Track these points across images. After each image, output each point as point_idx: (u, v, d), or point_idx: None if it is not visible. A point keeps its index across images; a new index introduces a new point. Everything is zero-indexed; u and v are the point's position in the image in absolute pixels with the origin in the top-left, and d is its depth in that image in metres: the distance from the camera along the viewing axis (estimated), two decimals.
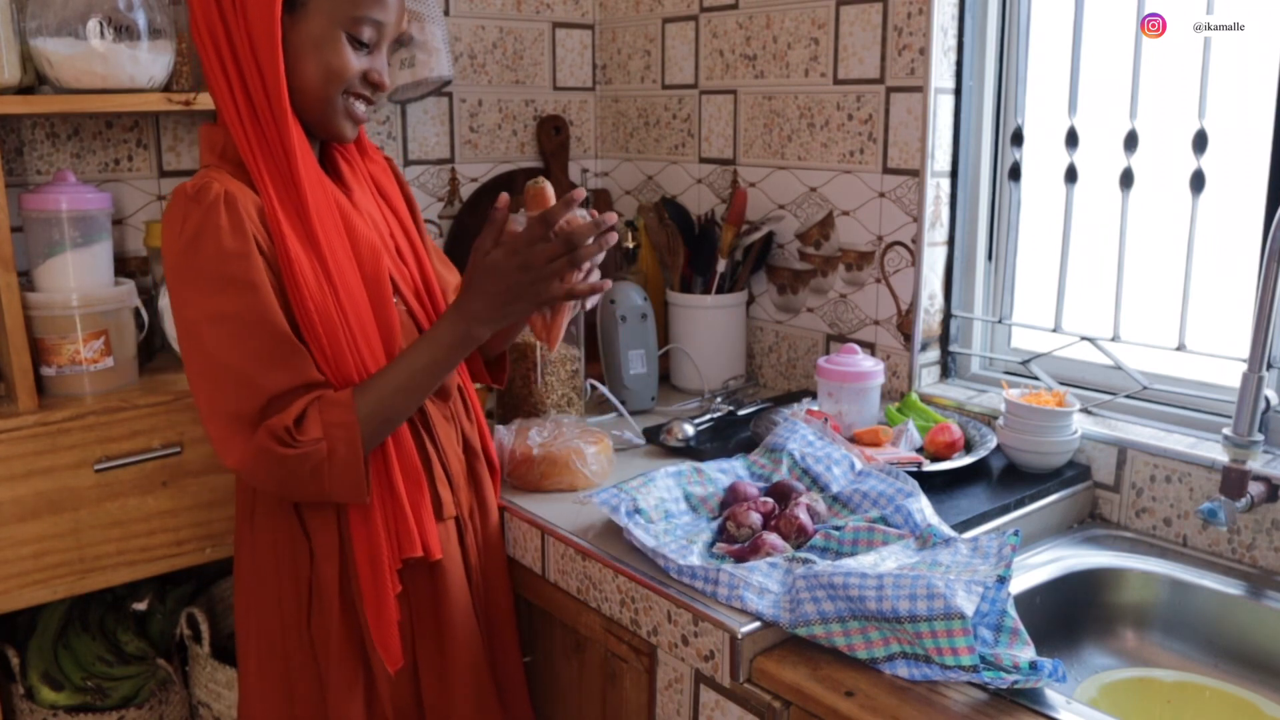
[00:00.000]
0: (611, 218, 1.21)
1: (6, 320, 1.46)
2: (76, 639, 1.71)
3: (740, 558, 1.25)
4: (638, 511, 1.32)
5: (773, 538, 1.25)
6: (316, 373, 1.17)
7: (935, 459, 1.52)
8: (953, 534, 1.24)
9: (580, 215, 1.22)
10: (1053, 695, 1.04)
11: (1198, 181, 1.46)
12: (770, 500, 1.34)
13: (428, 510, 1.27)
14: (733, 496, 1.37)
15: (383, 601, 1.24)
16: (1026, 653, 1.06)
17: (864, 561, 1.17)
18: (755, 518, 1.30)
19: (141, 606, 1.75)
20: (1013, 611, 1.10)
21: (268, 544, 1.28)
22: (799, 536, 1.27)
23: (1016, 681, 1.03)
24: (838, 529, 1.27)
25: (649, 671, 1.28)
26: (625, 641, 1.30)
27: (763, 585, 1.16)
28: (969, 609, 1.05)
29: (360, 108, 1.25)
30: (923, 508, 1.29)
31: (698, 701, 1.22)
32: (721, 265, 1.93)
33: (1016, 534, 1.16)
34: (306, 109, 1.21)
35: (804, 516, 1.28)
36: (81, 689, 1.67)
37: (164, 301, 1.67)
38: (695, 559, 1.23)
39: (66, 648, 1.70)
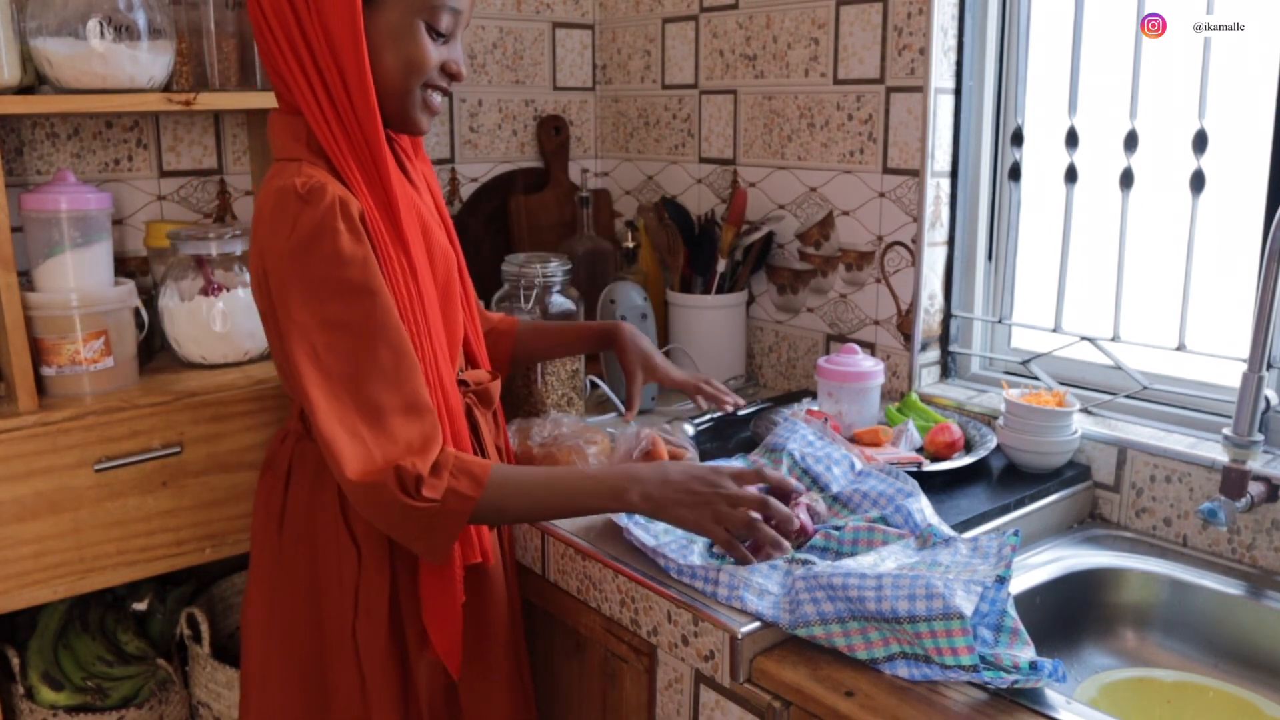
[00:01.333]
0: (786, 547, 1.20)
1: (6, 320, 1.46)
2: (76, 639, 1.71)
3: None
4: None
5: (804, 513, 1.26)
6: (428, 393, 1.14)
7: (935, 459, 1.52)
8: (953, 534, 1.24)
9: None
10: (1053, 695, 1.04)
11: (1198, 181, 1.46)
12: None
13: None
14: None
15: (449, 610, 1.22)
16: (1027, 653, 1.06)
17: (863, 562, 1.17)
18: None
19: (141, 606, 1.75)
20: (1013, 611, 1.10)
21: (304, 551, 1.26)
22: (799, 537, 1.27)
23: (1016, 681, 1.03)
24: (838, 529, 1.27)
25: (649, 671, 1.28)
26: (625, 641, 1.30)
27: (762, 586, 1.16)
28: (968, 609, 1.05)
29: (437, 99, 1.23)
30: (923, 508, 1.29)
31: (698, 701, 1.22)
32: (721, 265, 1.93)
33: (1016, 534, 1.16)
34: (384, 102, 1.18)
35: (804, 516, 1.28)
36: (81, 689, 1.67)
37: (164, 301, 1.67)
38: (695, 559, 1.23)
39: (66, 648, 1.70)
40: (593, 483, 1.18)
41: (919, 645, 1.07)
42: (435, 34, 1.18)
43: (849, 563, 1.16)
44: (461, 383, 1.30)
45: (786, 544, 1.20)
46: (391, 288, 1.14)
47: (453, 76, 1.22)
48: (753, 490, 1.18)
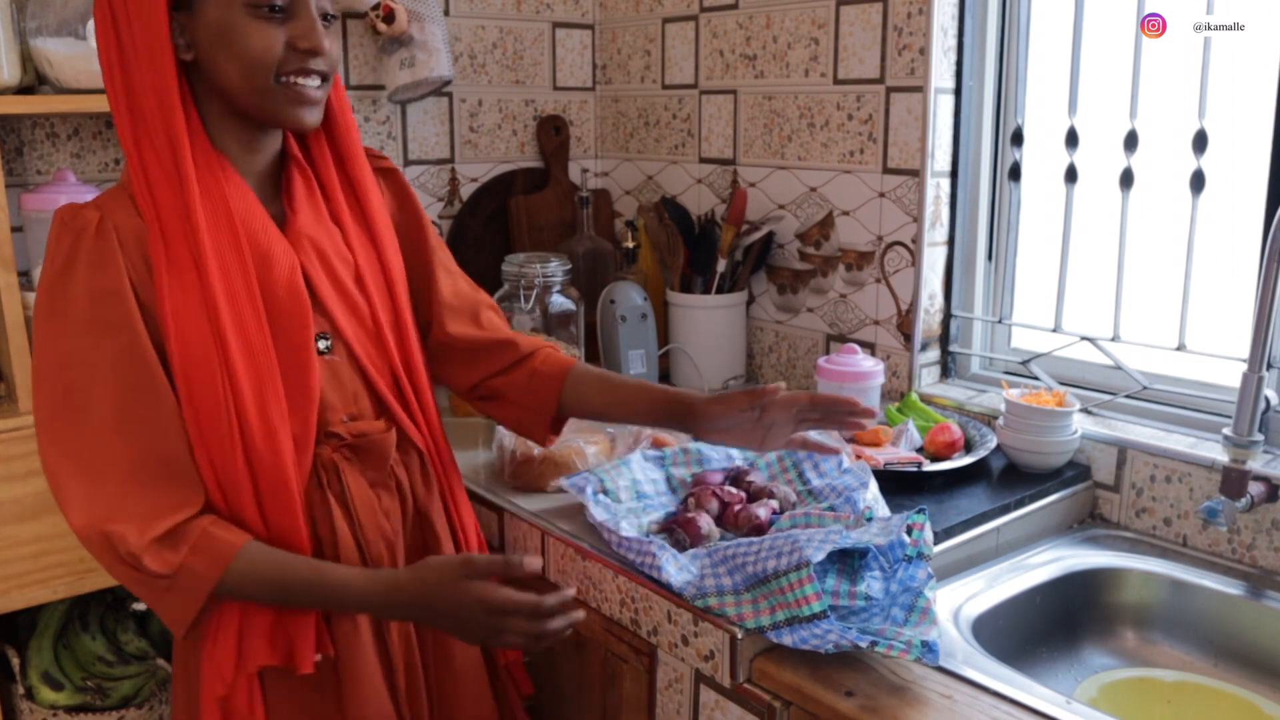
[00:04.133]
0: (577, 616, 1.10)
1: (6, 320, 1.46)
2: (76, 639, 1.71)
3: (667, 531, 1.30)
4: (604, 492, 1.37)
5: (705, 520, 1.29)
6: (184, 449, 1.03)
7: (935, 459, 1.52)
8: (885, 514, 1.27)
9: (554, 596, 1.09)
10: (1052, 695, 1.04)
11: (1198, 181, 1.46)
12: (737, 492, 1.35)
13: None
14: (696, 483, 1.40)
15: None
16: (930, 633, 1.08)
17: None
18: (714, 505, 1.33)
19: (141, 606, 1.75)
20: (930, 594, 1.12)
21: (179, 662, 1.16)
22: (755, 533, 1.28)
23: (876, 643, 1.05)
24: (777, 514, 1.30)
25: (649, 671, 1.28)
26: (625, 641, 1.30)
27: (686, 564, 1.20)
28: (816, 556, 1.08)
29: (308, 85, 1.07)
30: (868, 496, 1.30)
31: (698, 701, 1.22)
32: (721, 265, 1.93)
33: (922, 511, 1.18)
34: (243, 106, 1.06)
35: (763, 514, 1.29)
36: (81, 689, 1.67)
37: None
38: (633, 532, 1.27)
39: (66, 648, 1.70)
40: (357, 595, 1.06)
41: (785, 601, 1.10)
42: (271, 10, 1.03)
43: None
44: (333, 435, 1.13)
45: (558, 633, 1.09)
46: (167, 325, 1.02)
47: (310, 53, 1.05)
48: (517, 602, 1.06)
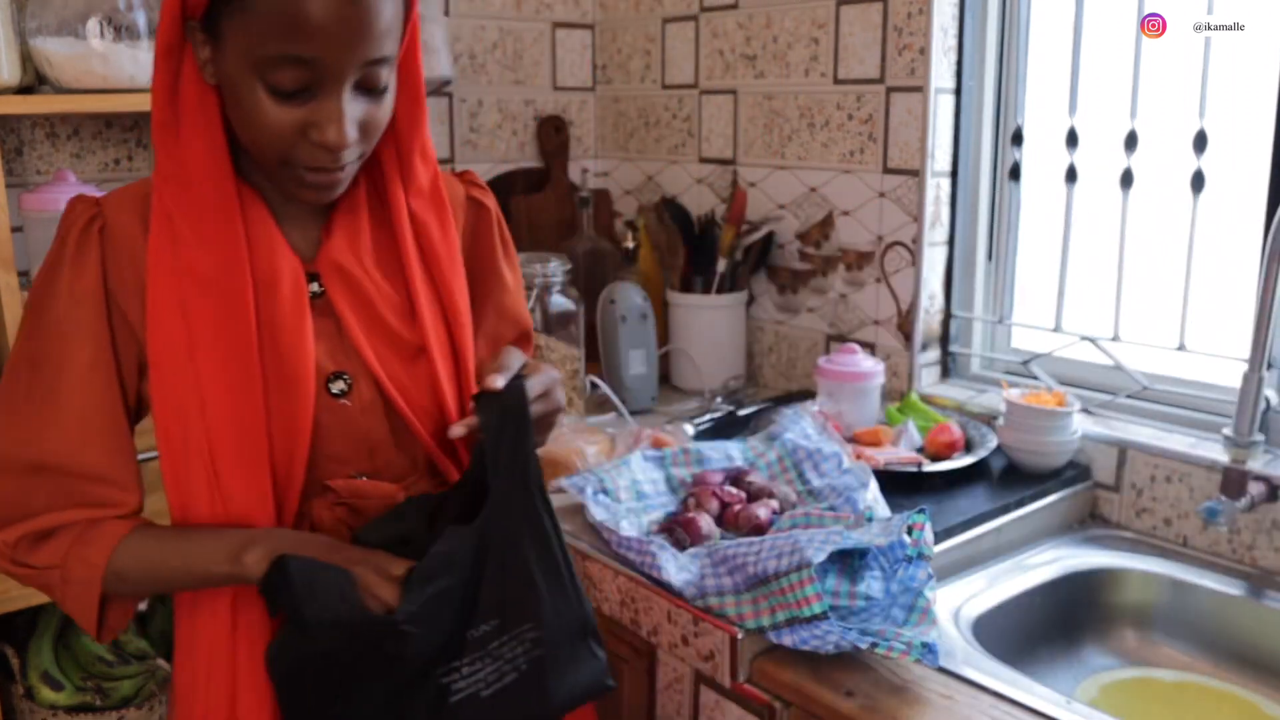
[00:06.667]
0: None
1: (6, 320, 1.46)
2: (76, 639, 1.71)
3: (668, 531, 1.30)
4: (604, 492, 1.37)
5: (705, 520, 1.29)
6: (125, 469, 0.98)
7: (935, 459, 1.52)
8: (886, 515, 1.27)
9: None
10: (1052, 695, 1.04)
11: (1198, 181, 1.46)
12: (737, 492, 1.35)
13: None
14: (696, 483, 1.40)
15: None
16: (930, 633, 1.08)
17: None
18: (714, 505, 1.33)
19: (142, 606, 1.75)
20: (929, 594, 1.12)
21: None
22: (756, 533, 1.29)
23: (876, 644, 1.05)
24: (777, 514, 1.30)
25: (649, 672, 1.28)
26: (625, 641, 1.30)
27: (686, 564, 1.21)
28: (817, 558, 1.08)
29: (319, 178, 0.90)
30: (868, 496, 1.30)
31: (698, 701, 1.22)
32: (721, 265, 1.93)
33: (923, 511, 1.17)
34: (261, 168, 0.93)
35: (763, 514, 1.29)
36: (81, 689, 1.67)
37: None
38: (634, 532, 1.27)
39: (66, 648, 1.70)
40: (213, 542, 0.95)
41: (786, 602, 1.10)
42: (281, 94, 0.85)
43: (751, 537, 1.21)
44: (329, 489, 0.99)
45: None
46: (152, 345, 0.93)
47: (323, 147, 0.87)
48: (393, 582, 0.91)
